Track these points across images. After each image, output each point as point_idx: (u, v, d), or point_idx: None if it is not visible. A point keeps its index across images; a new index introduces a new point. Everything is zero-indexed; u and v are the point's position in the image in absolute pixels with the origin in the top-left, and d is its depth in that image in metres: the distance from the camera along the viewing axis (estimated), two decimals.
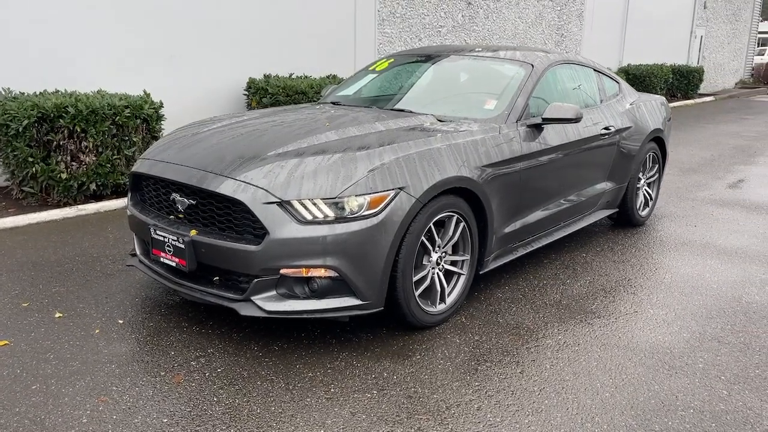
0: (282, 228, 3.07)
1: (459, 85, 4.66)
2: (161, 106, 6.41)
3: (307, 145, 3.45)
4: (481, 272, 3.91)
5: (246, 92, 8.33)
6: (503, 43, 13.10)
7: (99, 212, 5.86)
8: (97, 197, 6.11)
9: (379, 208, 3.16)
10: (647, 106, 5.67)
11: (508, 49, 4.89)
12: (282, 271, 3.13)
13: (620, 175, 5.22)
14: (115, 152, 6.04)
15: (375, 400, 2.87)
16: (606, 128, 4.91)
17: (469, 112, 4.22)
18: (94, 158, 5.89)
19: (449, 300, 3.67)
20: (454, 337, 3.50)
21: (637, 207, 5.61)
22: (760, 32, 31.37)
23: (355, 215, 3.12)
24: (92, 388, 2.92)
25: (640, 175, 5.58)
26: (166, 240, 3.36)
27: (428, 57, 5.00)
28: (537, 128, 4.21)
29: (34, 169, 5.67)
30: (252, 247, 3.09)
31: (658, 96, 6.18)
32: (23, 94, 6.02)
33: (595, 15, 15.84)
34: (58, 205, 5.84)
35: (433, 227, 3.46)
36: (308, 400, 2.87)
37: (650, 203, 5.85)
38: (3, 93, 5.97)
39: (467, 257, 3.74)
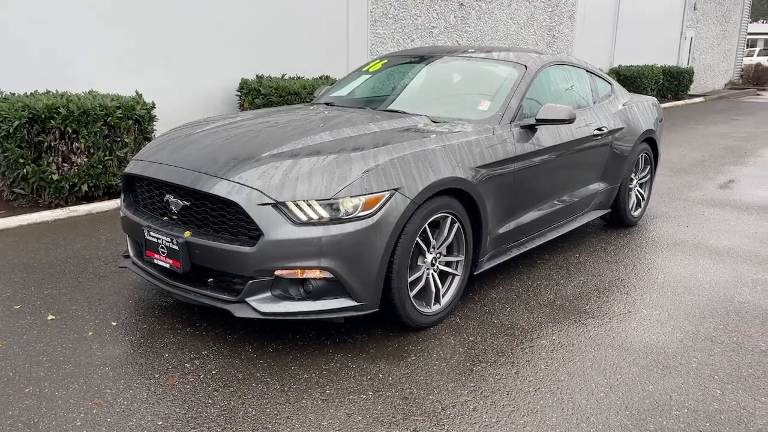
0: (277, 229, 3.06)
1: (453, 86, 4.66)
2: (153, 106, 6.39)
3: (301, 146, 3.45)
4: (475, 273, 3.91)
5: (238, 93, 8.31)
6: (495, 44, 13.13)
7: (91, 213, 5.83)
8: (88, 198, 6.07)
9: (374, 209, 3.16)
10: (639, 107, 5.69)
11: (501, 50, 4.90)
12: (277, 273, 3.12)
13: (613, 175, 5.24)
14: (107, 153, 6.01)
15: (370, 401, 2.87)
16: (599, 129, 4.93)
17: (462, 113, 4.23)
18: (85, 159, 5.86)
19: (444, 301, 3.67)
20: (449, 337, 3.50)
21: (630, 207, 5.64)
22: (749, 33, 31.59)
23: (350, 216, 3.12)
24: (86, 391, 2.90)
25: (633, 175, 5.60)
26: (160, 241, 3.35)
27: (422, 58, 5.00)
28: (530, 129, 4.23)
29: (25, 170, 5.63)
30: (246, 249, 3.08)
31: (650, 97, 6.21)
32: (14, 94, 5.98)
33: (586, 16, 15.91)
34: (49, 207, 5.80)
35: (427, 228, 3.46)
36: (304, 401, 2.86)
37: (642, 204, 5.88)
38: None
39: (462, 258, 3.74)
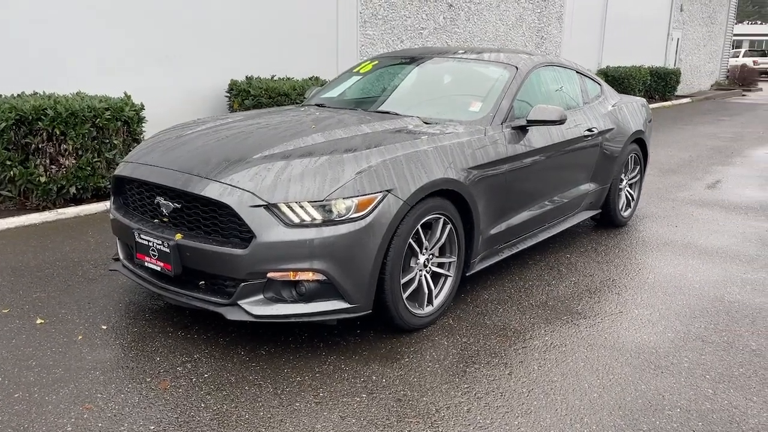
0: (269, 231, 3.05)
1: (444, 87, 4.66)
2: (142, 108, 6.34)
3: (293, 148, 3.43)
4: (467, 274, 3.91)
5: (228, 94, 8.27)
6: (484, 45, 13.16)
7: (79, 216, 5.78)
8: (77, 201, 6.02)
9: (366, 210, 3.15)
10: (629, 108, 5.72)
11: (491, 51, 4.90)
12: (269, 275, 3.10)
13: (603, 176, 5.26)
14: (96, 155, 5.96)
15: (364, 403, 2.86)
16: (589, 130, 4.95)
17: (454, 114, 4.23)
18: (73, 161, 5.81)
19: (436, 302, 3.67)
20: (442, 339, 3.49)
21: (620, 208, 5.66)
22: (735, 34, 31.88)
23: (343, 218, 3.11)
24: (76, 396, 2.87)
25: (623, 176, 5.63)
26: (151, 244, 3.32)
27: (412, 59, 5.00)
28: (522, 130, 4.23)
29: (12, 172, 5.57)
30: (238, 251, 3.06)
31: (639, 98, 6.24)
32: (0, 96, 5.91)
33: (574, 17, 15.99)
34: (37, 209, 5.75)
35: (420, 229, 3.45)
36: (297, 404, 2.84)
37: (632, 204, 5.91)
38: None
39: (454, 259, 3.74)
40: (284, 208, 3.07)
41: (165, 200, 3.36)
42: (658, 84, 18.53)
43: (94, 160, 5.94)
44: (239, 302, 3.14)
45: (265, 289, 3.15)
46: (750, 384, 3.10)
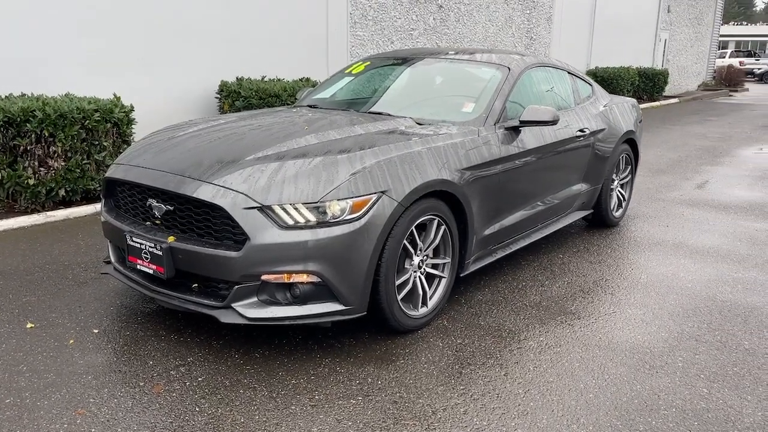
0: (263, 233, 3.02)
1: (436, 88, 4.66)
2: (132, 109, 6.29)
3: (287, 149, 3.41)
4: (461, 275, 3.90)
5: (218, 95, 8.23)
6: (474, 46, 13.18)
7: (68, 219, 5.72)
8: (66, 203, 5.96)
9: (361, 212, 3.13)
10: (619, 108, 5.74)
11: (483, 52, 4.90)
12: (263, 277, 3.08)
13: (595, 176, 5.28)
14: (85, 157, 5.90)
15: (360, 406, 2.84)
16: (581, 130, 4.96)
17: (447, 115, 4.22)
18: (62, 163, 5.75)
19: (431, 303, 3.66)
20: (436, 340, 3.48)
21: (611, 208, 5.68)
22: (721, 35, 32.13)
23: (338, 220, 3.09)
24: (69, 401, 2.83)
25: (614, 176, 5.65)
26: (143, 247, 3.29)
27: (404, 60, 4.99)
28: (515, 131, 4.23)
29: (0, 174, 5.50)
30: (232, 254, 3.04)
31: (630, 98, 6.27)
32: None
33: (563, 18, 16.06)
34: (25, 212, 5.69)
35: (414, 231, 3.44)
36: (293, 407, 2.82)
37: (623, 204, 5.93)
38: None
39: (448, 260, 3.73)
40: (278, 210, 3.05)
41: (157, 202, 3.33)
42: (646, 84, 18.64)
43: (84, 162, 5.88)
44: (233, 305, 3.12)
45: (259, 291, 3.13)
46: (744, 383, 3.11)
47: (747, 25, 72.86)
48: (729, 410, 2.87)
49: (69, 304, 3.84)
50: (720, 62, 31.73)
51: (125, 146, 6.24)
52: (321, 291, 3.16)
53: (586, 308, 3.96)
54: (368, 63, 5.15)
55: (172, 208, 3.28)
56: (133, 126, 6.32)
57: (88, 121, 5.83)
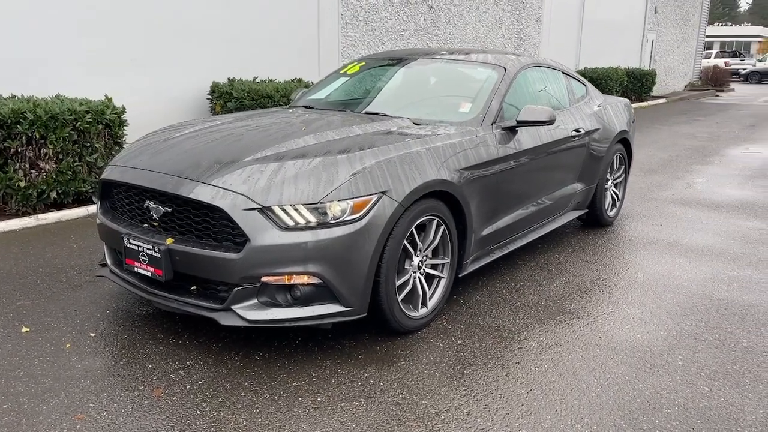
0: (263, 235, 3.00)
1: (433, 89, 4.65)
2: (124, 111, 6.24)
3: (285, 150, 3.39)
4: (460, 275, 3.90)
5: (210, 96, 8.17)
6: (465, 46, 13.20)
7: (60, 221, 5.66)
8: (57, 206, 5.90)
9: (362, 212, 3.12)
10: (613, 108, 5.76)
11: (479, 52, 4.90)
12: (263, 279, 3.05)
13: (590, 176, 5.29)
14: (77, 159, 5.84)
15: (363, 408, 2.83)
16: (576, 130, 4.97)
17: (444, 115, 4.21)
18: (54, 165, 5.69)
19: (431, 304, 3.65)
20: (437, 341, 3.47)
21: (606, 207, 5.70)
22: (706, 36, 32.41)
23: (338, 220, 3.07)
24: (68, 406, 2.79)
25: (608, 176, 5.67)
26: (141, 249, 3.25)
27: (399, 60, 4.98)
28: (511, 131, 4.23)
29: None
30: (232, 255, 3.01)
31: (622, 98, 6.29)
32: None
33: (552, 19, 16.12)
34: (16, 215, 5.62)
35: (414, 231, 3.43)
36: (295, 410, 2.80)
37: (617, 203, 5.95)
38: None
39: (447, 260, 3.72)
40: (278, 211, 3.03)
41: (155, 204, 3.29)
42: (634, 85, 18.76)
43: (75, 164, 5.82)
44: (233, 307, 3.09)
45: (260, 293, 3.10)
46: (744, 381, 3.12)
47: (731, 25, 73.58)
48: (731, 408, 2.88)
49: (64, 308, 3.80)
50: (706, 63, 32.01)
51: (117, 148, 6.19)
52: (322, 292, 3.14)
53: (584, 307, 3.96)
54: (363, 63, 5.13)
55: (170, 210, 3.24)
56: (125, 127, 6.26)
57: (79, 123, 5.77)
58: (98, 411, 2.76)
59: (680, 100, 21.80)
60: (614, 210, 5.89)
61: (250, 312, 3.08)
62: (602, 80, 16.39)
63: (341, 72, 5.16)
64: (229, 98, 7.72)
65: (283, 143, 3.47)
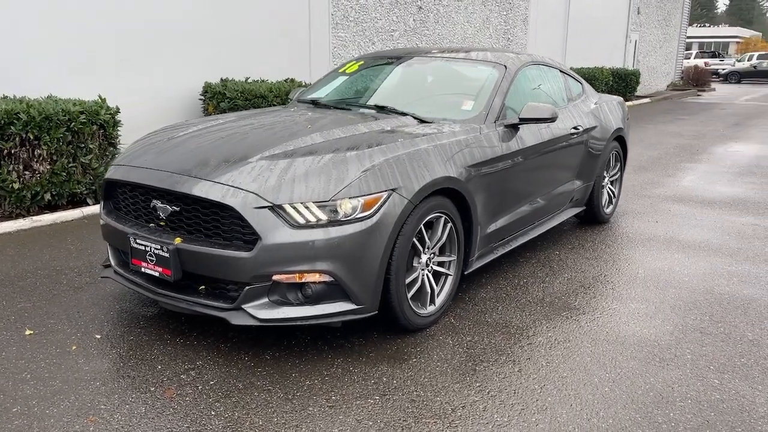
0: (274, 233, 2.98)
1: (434, 87, 4.65)
2: (118, 111, 6.17)
3: (293, 148, 3.37)
4: (466, 272, 3.90)
5: (202, 97, 8.11)
6: (455, 46, 13.22)
7: (55, 223, 5.58)
8: (51, 208, 5.81)
9: (372, 210, 3.11)
10: (609, 106, 5.81)
11: (479, 51, 4.91)
12: (275, 278, 3.03)
13: (587, 173, 5.32)
14: (71, 160, 5.77)
15: (378, 405, 2.82)
16: (575, 128, 5.00)
17: (447, 113, 4.21)
18: (48, 167, 5.61)
19: (438, 301, 3.64)
20: (446, 338, 3.47)
21: (603, 204, 5.74)
22: (687, 37, 32.79)
23: (349, 218, 3.06)
24: (79, 408, 2.75)
25: (605, 173, 5.70)
26: (148, 249, 3.21)
27: (398, 59, 4.97)
28: (514, 128, 4.25)
29: None
30: (244, 254, 2.99)
31: (616, 96, 6.34)
32: None
33: (539, 20, 16.22)
34: (10, 217, 5.53)
35: (423, 228, 3.43)
36: (310, 409, 2.78)
37: (614, 201, 5.99)
38: None
39: (454, 258, 3.72)
40: (289, 209, 3.01)
41: (162, 203, 3.25)
42: (619, 84, 18.92)
43: (70, 165, 5.75)
44: (243, 306, 3.07)
45: (270, 292, 3.08)
46: (753, 374, 3.15)
47: (709, 26, 74.54)
48: (742, 400, 2.91)
49: (67, 310, 3.74)
50: (686, 63, 32.38)
51: (112, 149, 6.12)
52: (333, 290, 3.12)
53: (589, 303, 3.98)
54: (362, 62, 5.12)
55: (177, 209, 3.21)
56: (119, 128, 6.19)
57: (73, 124, 5.69)
58: (110, 413, 2.72)
59: (663, 99, 22.03)
60: (611, 207, 5.93)
61: (261, 311, 3.06)
62: (588, 80, 16.50)
63: (340, 71, 5.15)
64: (222, 98, 7.67)
65: (291, 141, 3.45)
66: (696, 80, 27.64)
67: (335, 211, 3.05)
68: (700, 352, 3.37)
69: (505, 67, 4.55)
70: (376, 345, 3.37)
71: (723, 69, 39.39)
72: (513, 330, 3.59)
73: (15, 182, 5.44)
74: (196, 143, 3.55)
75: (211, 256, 3.05)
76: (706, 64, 36.73)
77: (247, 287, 3.04)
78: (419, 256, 3.49)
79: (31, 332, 3.45)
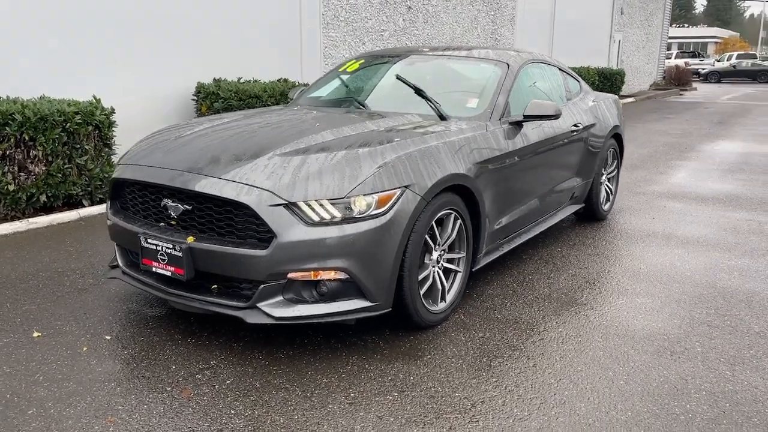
0: (290, 231, 2.97)
1: (437, 85, 4.64)
2: (113, 111, 6.11)
3: (305, 146, 3.36)
4: (473, 269, 3.91)
5: (195, 97, 8.06)
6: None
7: (52, 225, 5.51)
8: (47, 209, 5.74)
9: (386, 207, 3.11)
10: (606, 104, 5.86)
11: (480, 49, 4.93)
12: (290, 275, 3.02)
13: (587, 170, 5.36)
14: (66, 161, 5.70)
15: (398, 402, 2.81)
16: (575, 125, 5.04)
17: (452, 110, 4.21)
18: (43, 168, 5.54)
19: (449, 298, 3.65)
20: (458, 335, 3.48)
21: (601, 201, 5.78)
22: (669, 37, 33.17)
23: (364, 215, 3.05)
24: (96, 409, 2.72)
25: (603, 170, 5.75)
26: (159, 248, 3.18)
27: (399, 58, 4.97)
28: (518, 125, 4.27)
29: None
30: (259, 252, 2.97)
31: (611, 94, 6.40)
32: None
33: (526, 20, 16.32)
34: (5, 219, 5.45)
35: (434, 225, 3.43)
36: (330, 406, 2.77)
37: (611, 198, 6.04)
38: None
39: (463, 254, 3.73)
40: (304, 207, 3.00)
41: (173, 202, 3.23)
42: (604, 84, 19.08)
43: (65, 166, 5.68)
44: (258, 305, 3.05)
45: (285, 290, 3.07)
46: (763, 365, 3.20)
47: (688, 27, 75.49)
48: (755, 391, 2.95)
49: (73, 312, 3.70)
50: (667, 63, 32.76)
51: (107, 150, 6.06)
52: (348, 288, 3.12)
53: (596, 299, 4.01)
54: (362, 61, 5.11)
55: (189, 208, 3.19)
56: (113, 129, 6.12)
57: (69, 124, 5.63)
58: (129, 413, 2.69)
59: (647, 99, 22.26)
60: (608, 204, 5.99)
61: (277, 309, 3.05)
62: None
63: (340, 70, 5.14)
64: (215, 99, 7.62)
65: (301, 139, 3.44)
66: (678, 80, 27.97)
67: (350, 208, 3.04)
68: (709, 344, 3.41)
69: (508, 65, 4.57)
70: (389, 342, 3.37)
71: (703, 69, 39.90)
72: (523, 326, 3.61)
73: (10, 184, 5.37)
74: (205, 142, 3.52)
75: (225, 255, 3.03)
76: (686, 63, 37.19)
77: (262, 285, 3.03)
78: (430, 253, 3.49)
79: (39, 334, 3.41)
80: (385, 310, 3.22)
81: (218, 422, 2.64)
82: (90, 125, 5.83)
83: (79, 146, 5.77)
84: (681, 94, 25.36)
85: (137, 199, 3.46)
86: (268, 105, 7.69)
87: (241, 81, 8.33)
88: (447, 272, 3.69)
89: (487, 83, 4.41)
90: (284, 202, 2.98)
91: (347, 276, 3.06)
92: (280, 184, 3.02)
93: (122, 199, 3.59)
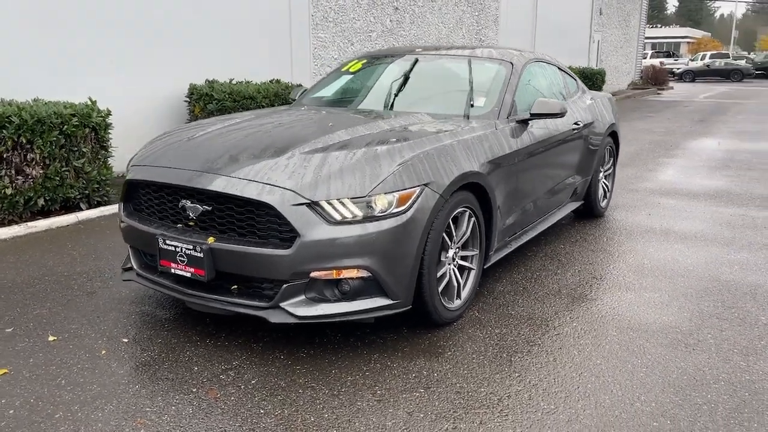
0: (313, 230, 2.97)
1: (442, 84, 4.68)
2: (109, 114, 6.04)
3: (323, 145, 3.36)
4: (485, 266, 3.94)
5: (187, 99, 8.00)
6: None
7: (51, 229, 5.44)
8: (44, 213, 5.66)
9: (407, 205, 3.13)
10: (602, 102, 5.94)
11: (483, 48, 4.97)
12: (312, 274, 3.03)
13: (586, 168, 5.43)
14: (64, 164, 5.63)
15: (425, 398, 2.83)
16: (576, 123, 5.10)
17: (460, 109, 4.25)
18: (41, 171, 5.47)
19: (464, 295, 3.68)
20: (475, 331, 3.51)
21: (599, 198, 5.86)
22: (646, 37, 33.64)
23: (385, 213, 3.07)
24: (124, 411, 2.70)
25: (600, 168, 5.83)
26: (179, 250, 3.17)
27: (402, 57, 4.99)
28: (524, 123, 4.32)
29: None
30: (283, 252, 2.97)
31: (606, 93, 6.49)
32: None
33: (509, 20, 16.45)
34: (2, 224, 5.36)
35: (451, 223, 3.46)
36: (359, 404, 2.78)
37: (608, 195, 6.13)
38: None
39: (476, 252, 3.77)
40: (326, 206, 3.01)
41: (192, 203, 3.21)
42: (586, 84, 19.30)
43: (63, 169, 5.61)
44: (281, 304, 3.05)
45: (307, 289, 3.08)
46: None
47: (661, 27, 76.62)
48: None
49: (86, 315, 3.66)
50: (643, 62, 33.23)
51: (104, 152, 6.00)
52: (369, 286, 3.13)
53: (605, 294, 4.07)
54: (365, 61, 5.13)
55: (209, 208, 3.17)
56: (110, 131, 6.06)
57: (66, 127, 5.56)
58: (158, 414, 2.68)
59: (627, 98, 22.56)
60: (605, 201, 6.07)
61: (299, 308, 3.05)
62: None
63: (343, 70, 5.15)
64: (209, 100, 7.58)
65: (319, 138, 3.44)
66: (655, 79, 28.40)
67: (371, 207, 3.06)
68: (721, 336, 3.48)
69: (512, 63, 4.62)
70: (408, 340, 3.39)
71: (678, 68, 40.54)
72: (538, 321, 3.65)
73: (8, 188, 5.29)
74: (220, 142, 3.51)
75: (248, 255, 3.03)
76: (662, 63, 37.78)
77: (285, 285, 3.03)
78: (446, 251, 3.52)
79: (55, 338, 3.37)
80: (406, 308, 3.24)
81: (249, 422, 2.64)
82: (87, 127, 5.76)
83: (76, 149, 5.70)
84: (659, 93, 25.76)
85: (153, 200, 3.43)
86: (263, 106, 7.67)
87: (233, 82, 8.29)
88: (461, 270, 3.72)
89: (493, 82, 4.46)
90: (307, 201, 2.98)
91: (369, 274, 3.08)
92: (303, 184, 3.03)
93: (136, 200, 3.56)
